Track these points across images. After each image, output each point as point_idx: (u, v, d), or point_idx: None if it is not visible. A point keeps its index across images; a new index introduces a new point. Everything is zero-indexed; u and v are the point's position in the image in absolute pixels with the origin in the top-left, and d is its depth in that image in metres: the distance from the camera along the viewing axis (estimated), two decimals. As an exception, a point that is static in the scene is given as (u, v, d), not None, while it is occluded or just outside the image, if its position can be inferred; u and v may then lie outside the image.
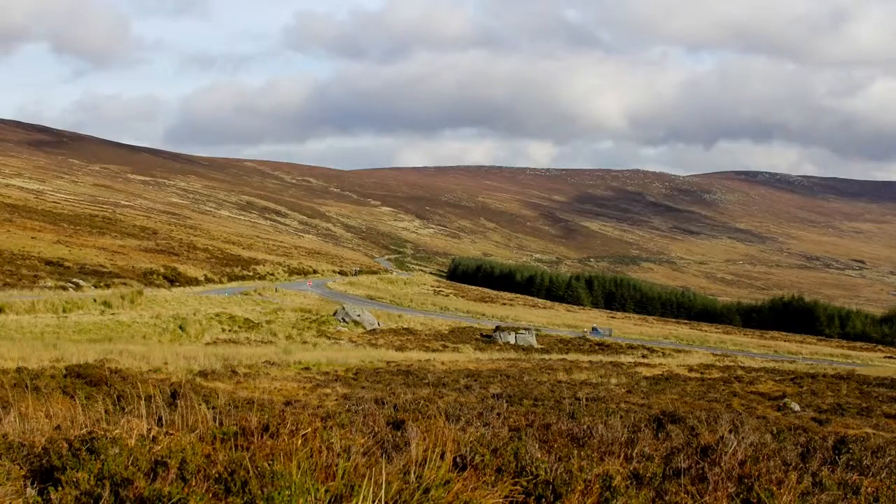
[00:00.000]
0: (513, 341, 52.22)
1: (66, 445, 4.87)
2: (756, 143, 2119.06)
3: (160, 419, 6.23)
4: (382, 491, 4.42)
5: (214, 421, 6.11)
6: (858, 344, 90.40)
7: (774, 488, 5.39)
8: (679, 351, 54.98)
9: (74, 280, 56.25)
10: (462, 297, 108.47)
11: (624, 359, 40.21)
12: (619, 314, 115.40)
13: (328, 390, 19.83)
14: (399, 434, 6.27)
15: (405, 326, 57.84)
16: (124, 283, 59.32)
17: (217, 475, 4.57)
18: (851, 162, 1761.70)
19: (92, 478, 4.50)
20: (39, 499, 4.44)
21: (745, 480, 5.60)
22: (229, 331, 46.26)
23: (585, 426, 7.78)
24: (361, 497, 4.37)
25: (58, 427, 6.09)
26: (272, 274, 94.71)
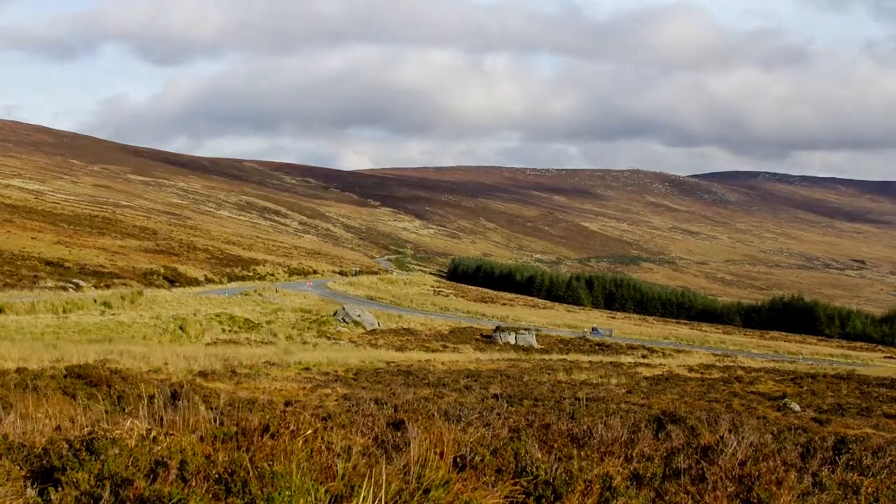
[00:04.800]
0: (513, 341, 52.21)
1: (66, 446, 4.87)
2: (657, 143, 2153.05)
3: (160, 419, 6.23)
4: (382, 491, 4.42)
5: (215, 421, 6.11)
6: (858, 344, 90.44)
7: (774, 488, 5.40)
8: (679, 351, 54.99)
9: (74, 280, 56.25)
10: (462, 297, 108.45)
11: (624, 359, 40.20)
12: (619, 314, 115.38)
13: (328, 391, 19.82)
14: (399, 434, 6.27)
15: (405, 327, 57.84)
16: (124, 284, 59.35)
17: (217, 476, 4.57)
18: (747, 159, 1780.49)
19: (92, 478, 4.50)
20: (39, 499, 4.44)
21: (745, 480, 5.60)
22: (229, 331, 46.25)
23: (585, 426, 7.77)
24: (361, 497, 4.37)
25: (58, 427, 6.10)
26: (272, 274, 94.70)
